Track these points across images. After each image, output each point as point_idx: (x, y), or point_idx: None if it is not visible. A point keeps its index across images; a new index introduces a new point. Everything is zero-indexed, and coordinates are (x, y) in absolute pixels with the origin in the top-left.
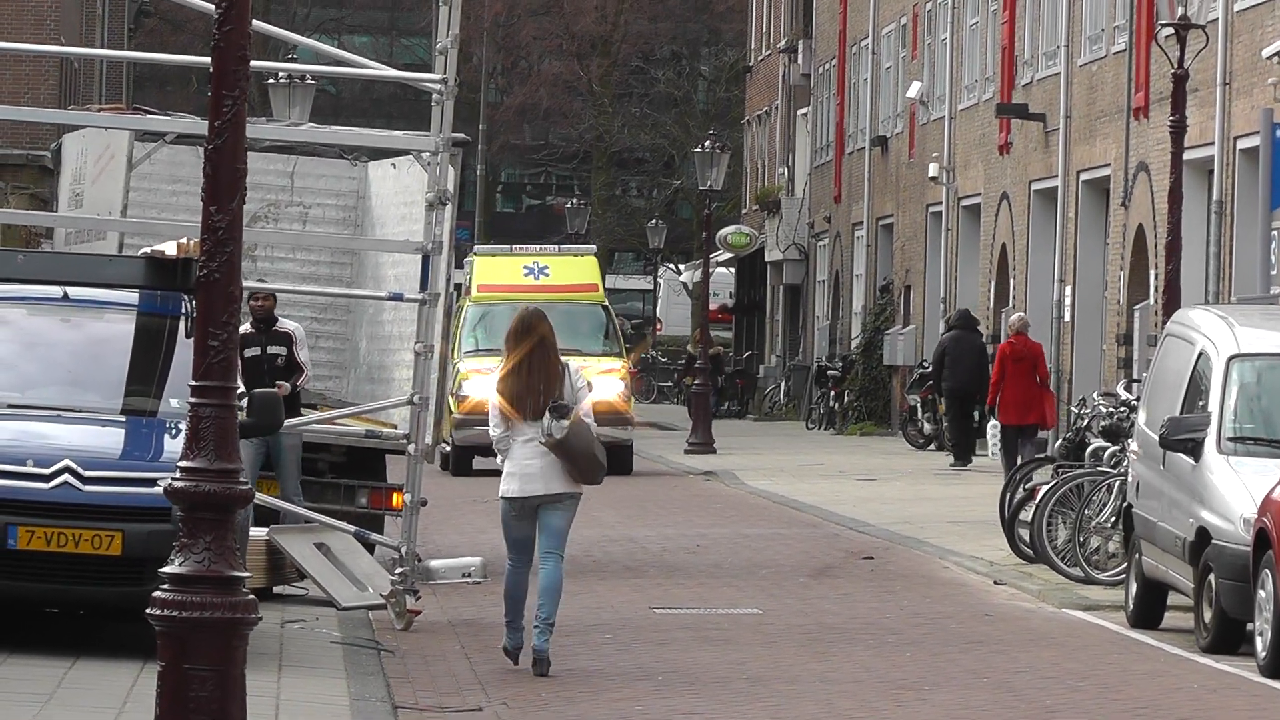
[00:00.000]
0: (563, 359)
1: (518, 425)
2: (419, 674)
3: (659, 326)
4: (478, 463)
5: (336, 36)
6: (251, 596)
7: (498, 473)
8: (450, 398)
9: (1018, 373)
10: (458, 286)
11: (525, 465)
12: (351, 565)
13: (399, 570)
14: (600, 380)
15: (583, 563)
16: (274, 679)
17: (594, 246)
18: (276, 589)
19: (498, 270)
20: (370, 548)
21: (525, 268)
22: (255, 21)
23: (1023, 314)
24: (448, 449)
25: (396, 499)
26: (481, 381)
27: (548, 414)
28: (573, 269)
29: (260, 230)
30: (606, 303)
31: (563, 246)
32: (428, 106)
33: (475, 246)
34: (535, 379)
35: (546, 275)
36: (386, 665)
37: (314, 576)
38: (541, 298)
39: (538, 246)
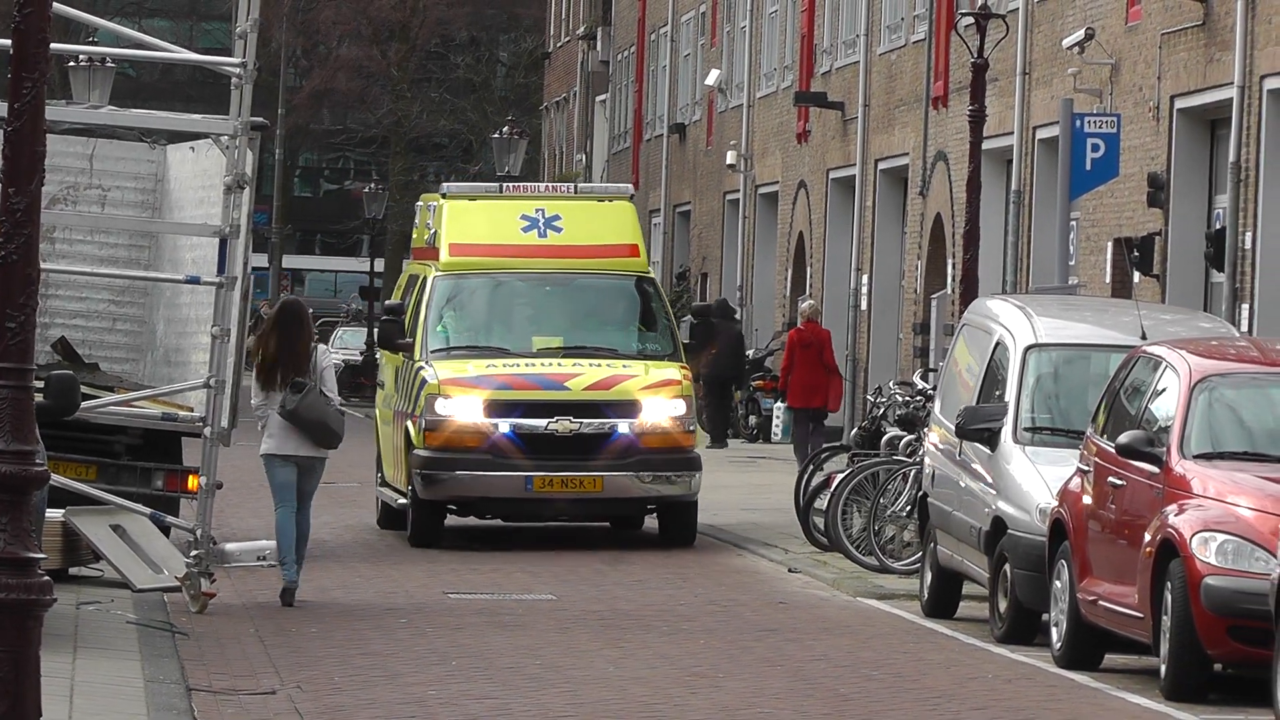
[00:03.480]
0: (317, 345)
1: (273, 395)
2: (213, 656)
3: None
4: (452, 523)
5: (137, 20)
6: (47, 578)
7: (477, 541)
8: (406, 423)
9: (805, 358)
10: (256, 269)
11: (280, 428)
12: (147, 547)
13: (194, 553)
14: (649, 399)
15: (378, 548)
16: (69, 660)
17: (629, 187)
18: (72, 570)
19: (481, 221)
20: (166, 530)
21: (525, 218)
22: (56, 4)
23: (813, 301)
24: (395, 500)
25: (192, 482)
26: (465, 401)
27: (288, 389)
28: (597, 221)
29: (59, 213)
30: (651, 273)
31: (583, 186)
32: (227, 90)
33: (444, 186)
34: (284, 354)
35: (557, 230)
36: (181, 647)
37: (109, 558)
38: (550, 266)
39: (543, 186)
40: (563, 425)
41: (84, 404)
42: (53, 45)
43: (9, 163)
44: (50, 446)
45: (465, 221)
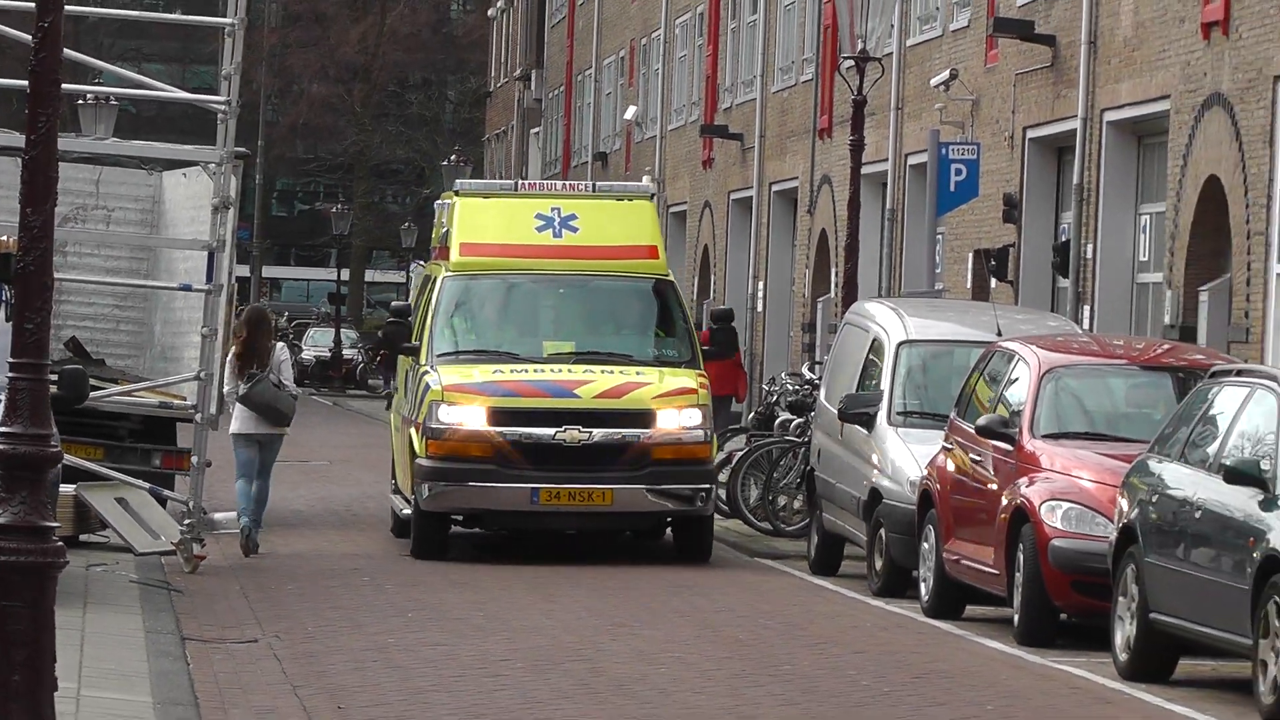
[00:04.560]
0: (277, 344)
1: (241, 384)
2: (204, 610)
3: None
4: (457, 532)
5: (137, 63)
6: (60, 544)
7: (486, 552)
8: (411, 430)
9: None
10: (240, 279)
11: (242, 411)
12: (147, 517)
13: (187, 521)
14: (663, 409)
15: (344, 516)
16: (80, 614)
17: (650, 186)
18: (83, 537)
19: (494, 220)
20: (163, 502)
21: (540, 217)
22: (66, 50)
23: (721, 305)
24: (402, 510)
25: (185, 461)
26: (471, 410)
27: (243, 379)
28: (616, 221)
29: (70, 230)
30: (671, 276)
31: (601, 184)
32: (214, 124)
33: (457, 183)
34: (250, 350)
35: (573, 230)
36: (176, 603)
37: (115, 526)
38: (565, 267)
39: (559, 184)
40: (571, 435)
41: (92, 394)
42: (63, 85)
43: (26, 186)
44: (63, 431)
45: (477, 220)
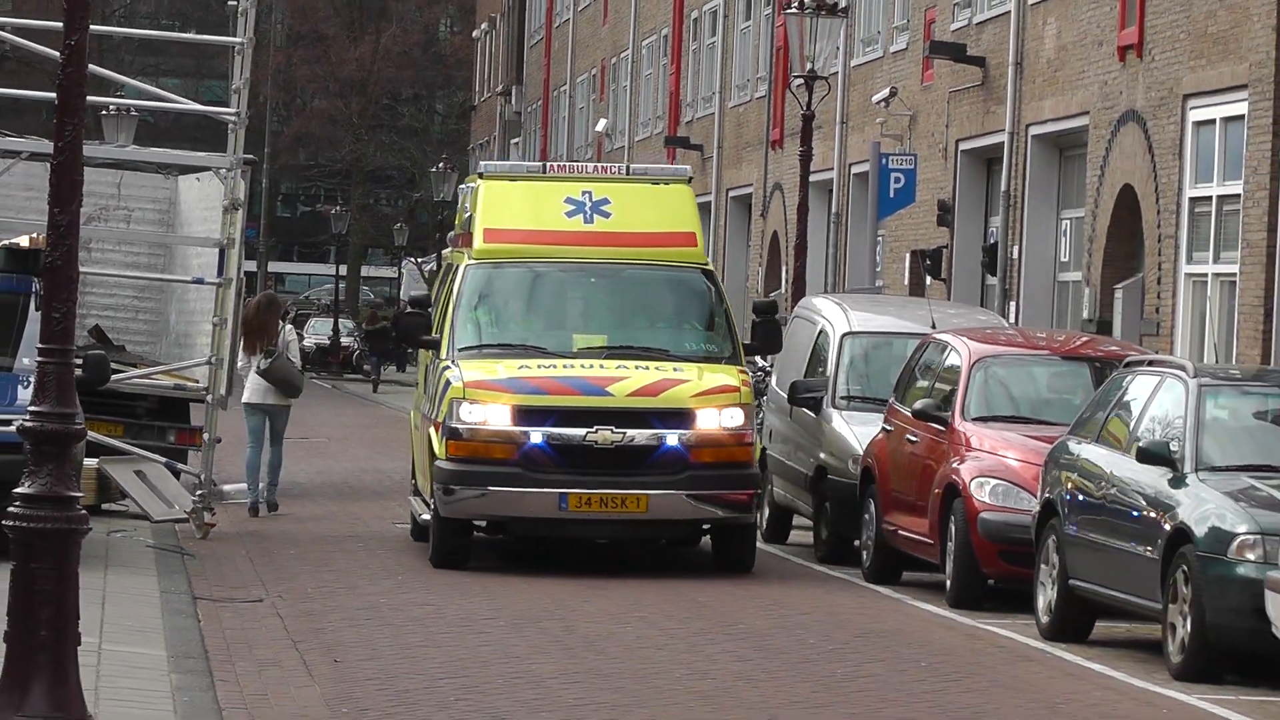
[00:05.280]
0: (285, 325)
1: (252, 359)
2: (213, 572)
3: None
4: (480, 540)
5: (155, 78)
6: (84, 512)
7: (512, 562)
8: (430, 430)
9: None
10: (248, 274)
11: (255, 382)
12: (162, 488)
13: (199, 492)
14: (703, 408)
15: (341, 489)
16: (101, 576)
17: (687, 169)
18: (104, 506)
19: (520, 204)
20: (177, 474)
21: (570, 201)
22: (91, 65)
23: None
24: (421, 514)
25: (197, 437)
26: (492, 407)
27: (262, 354)
28: (651, 206)
29: (94, 228)
30: (710, 265)
31: (636, 166)
32: (225, 133)
33: (482, 165)
34: (260, 330)
35: (605, 216)
36: (189, 565)
37: (133, 496)
38: (596, 255)
39: (591, 166)
40: (603, 436)
41: (113, 377)
42: (88, 97)
43: (54, 189)
44: (87, 410)
45: (503, 204)
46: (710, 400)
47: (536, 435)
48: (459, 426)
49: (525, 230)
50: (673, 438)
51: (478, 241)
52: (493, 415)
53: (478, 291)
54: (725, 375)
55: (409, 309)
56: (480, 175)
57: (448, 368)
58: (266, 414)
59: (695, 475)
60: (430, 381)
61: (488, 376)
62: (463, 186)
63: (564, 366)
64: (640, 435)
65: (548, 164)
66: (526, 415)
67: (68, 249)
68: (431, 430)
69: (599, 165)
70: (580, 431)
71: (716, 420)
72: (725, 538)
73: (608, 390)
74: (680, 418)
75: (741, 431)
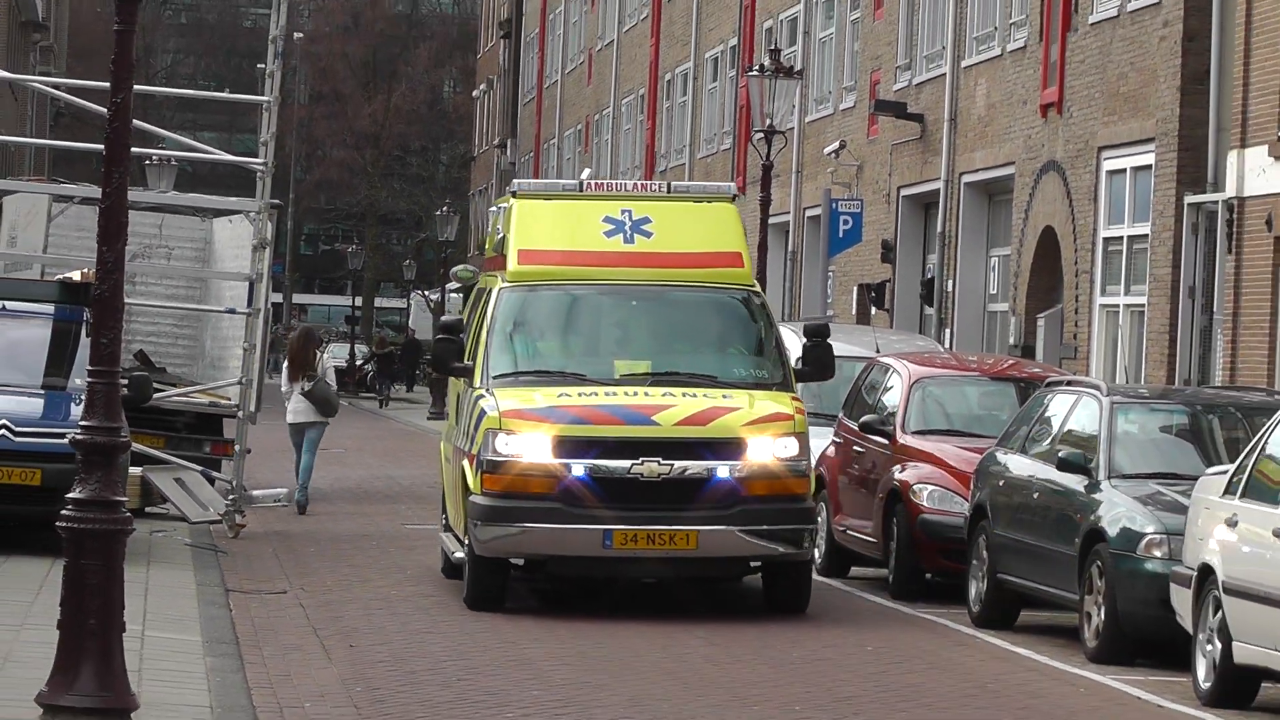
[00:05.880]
0: (323, 354)
1: (295, 384)
2: (244, 568)
3: (412, 333)
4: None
5: (193, 131)
6: (129, 514)
7: (549, 605)
8: (464, 463)
9: None
10: (274, 305)
11: (296, 404)
12: (199, 493)
13: (230, 497)
14: (755, 437)
15: (355, 493)
16: (144, 571)
17: (733, 186)
18: (147, 509)
19: (556, 224)
20: (211, 481)
21: (608, 220)
22: (135, 120)
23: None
24: (453, 553)
25: (230, 449)
26: (531, 438)
27: (305, 379)
28: (695, 225)
29: (138, 264)
30: (758, 287)
31: (678, 184)
32: (254, 181)
33: (515, 183)
34: (301, 359)
35: (646, 235)
36: (222, 562)
37: (173, 500)
38: (637, 277)
39: (630, 183)
40: (649, 468)
41: (155, 395)
42: (132, 149)
43: (102, 229)
44: (131, 424)
45: (538, 224)
46: (762, 429)
47: (578, 468)
48: (495, 459)
49: (562, 251)
50: (724, 469)
51: (512, 263)
52: (531, 446)
53: (512, 316)
54: (777, 403)
55: (440, 335)
56: (513, 194)
57: (481, 396)
58: (305, 430)
59: (748, 509)
60: (462, 412)
61: (525, 405)
62: (493, 208)
63: (606, 394)
64: (690, 467)
65: (583, 182)
66: (567, 446)
67: (115, 282)
68: (465, 463)
69: (638, 183)
70: (625, 463)
71: (770, 450)
72: (778, 577)
73: (654, 419)
74: (731, 448)
75: (796, 462)
